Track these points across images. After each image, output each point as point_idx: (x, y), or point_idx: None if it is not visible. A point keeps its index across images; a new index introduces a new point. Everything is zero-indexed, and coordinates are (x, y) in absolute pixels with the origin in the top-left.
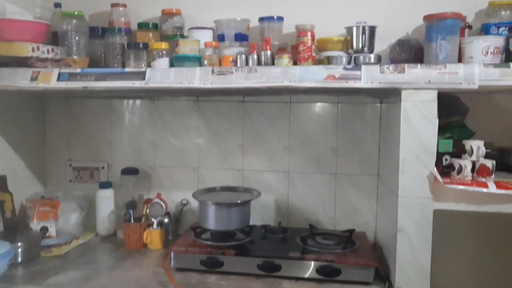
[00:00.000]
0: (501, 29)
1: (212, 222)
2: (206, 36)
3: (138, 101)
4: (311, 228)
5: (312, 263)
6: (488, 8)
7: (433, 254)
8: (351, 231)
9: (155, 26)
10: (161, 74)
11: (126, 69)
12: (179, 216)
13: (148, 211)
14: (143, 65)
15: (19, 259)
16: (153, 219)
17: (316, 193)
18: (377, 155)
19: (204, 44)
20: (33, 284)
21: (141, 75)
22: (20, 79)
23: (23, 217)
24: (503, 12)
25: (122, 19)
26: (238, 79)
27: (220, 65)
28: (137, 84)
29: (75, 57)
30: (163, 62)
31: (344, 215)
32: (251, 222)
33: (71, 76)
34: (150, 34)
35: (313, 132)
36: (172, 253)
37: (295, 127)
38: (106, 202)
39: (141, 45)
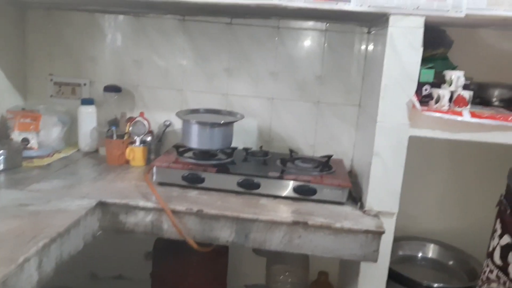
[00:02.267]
0: None
1: (195, 141)
2: None
3: (121, 17)
4: (291, 152)
5: (290, 182)
6: None
7: (404, 178)
8: (329, 157)
9: None
10: None
11: None
12: (161, 136)
13: (130, 129)
14: None
15: (1, 167)
16: (135, 137)
17: (298, 121)
18: (360, 86)
19: None
20: (16, 189)
21: None
22: None
23: (3, 128)
24: None
25: None
26: None
27: None
28: None
29: None
30: None
31: (324, 143)
32: (234, 145)
33: None
34: None
35: (300, 59)
36: (154, 168)
37: (282, 52)
38: (88, 119)
39: None
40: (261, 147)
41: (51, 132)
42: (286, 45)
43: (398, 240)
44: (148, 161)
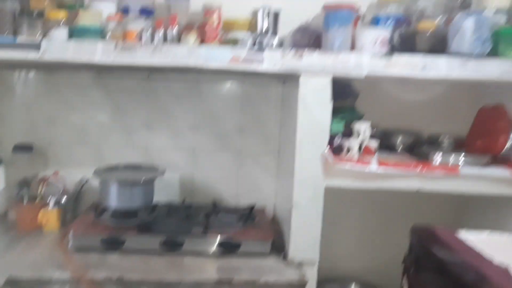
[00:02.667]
0: (388, 22)
1: (114, 200)
2: (109, 8)
3: (33, 73)
4: (214, 204)
5: (214, 238)
6: (379, 1)
7: (323, 227)
8: (252, 207)
9: None
10: (58, 47)
11: (19, 39)
12: (78, 195)
13: (43, 190)
14: (37, 35)
15: None
16: (49, 199)
17: (220, 171)
18: (278, 135)
19: (107, 17)
20: None
21: (36, 47)
22: None
23: None
24: (391, 7)
25: None
26: (143, 56)
27: (124, 39)
28: (31, 56)
29: None
30: (61, 33)
31: (247, 191)
32: (155, 200)
33: None
34: (47, 1)
35: (219, 111)
36: (70, 233)
37: (201, 105)
38: None
39: (35, 13)
40: (183, 200)
41: None
42: (205, 98)
43: (322, 283)
44: (64, 224)
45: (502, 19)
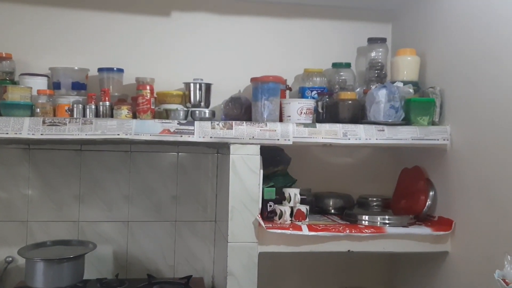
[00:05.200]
0: (313, 93)
1: (40, 280)
2: (40, 84)
3: None
4: (149, 277)
5: None
6: (304, 73)
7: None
8: (189, 278)
9: None
10: None
11: None
12: (2, 275)
13: None
14: None
15: None
16: None
17: (156, 242)
18: (214, 202)
19: (37, 92)
20: None
21: None
22: None
23: None
24: (315, 78)
25: None
26: (72, 131)
27: (54, 114)
28: None
29: None
30: None
31: (184, 262)
32: (86, 276)
33: None
34: None
35: (154, 180)
36: None
37: (135, 176)
38: None
39: None
40: (117, 275)
41: None
42: (139, 168)
43: None
44: None
45: (411, 90)
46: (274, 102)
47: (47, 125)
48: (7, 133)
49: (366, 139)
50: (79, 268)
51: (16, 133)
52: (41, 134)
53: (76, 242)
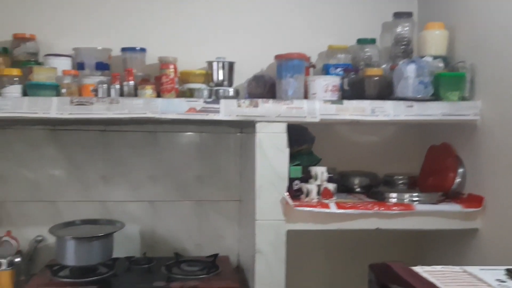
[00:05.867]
0: (338, 69)
1: (71, 258)
2: (64, 64)
3: None
4: (177, 256)
5: None
6: (328, 50)
7: (288, 270)
8: (215, 256)
9: (5, 51)
10: (12, 103)
11: None
12: (33, 254)
13: None
14: None
15: None
16: (2, 260)
17: (181, 221)
18: (238, 182)
19: (62, 72)
20: None
21: None
22: None
23: None
24: (339, 55)
25: None
26: (99, 110)
27: (79, 94)
28: None
29: None
30: (15, 89)
31: (209, 241)
32: (115, 255)
33: None
34: (0, 58)
35: (178, 160)
36: None
37: (159, 156)
38: None
39: None
40: (144, 253)
41: None
42: (163, 148)
43: None
44: (18, 285)
45: (440, 65)
46: (299, 80)
47: (75, 105)
48: (36, 113)
49: (395, 115)
50: (108, 246)
51: (44, 113)
52: (69, 114)
53: (104, 221)
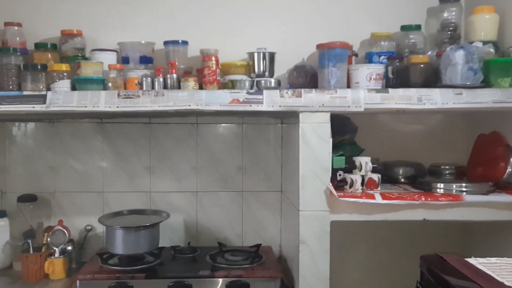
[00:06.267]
0: (381, 58)
1: (120, 246)
2: (109, 59)
3: (35, 124)
4: (220, 245)
5: (221, 280)
6: (371, 38)
7: (332, 261)
8: (258, 246)
9: (54, 47)
10: (63, 97)
11: (25, 92)
12: (83, 242)
13: (49, 239)
14: (41, 87)
15: None
16: (55, 248)
17: (223, 211)
18: (280, 172)
19: (108, 66)
20: None
21: (42, 98)
22: None
23: None
24: (383, 43)
25: (17, 38)
26: (145, 103)
27: (125, 88)
28: (38, 108)
29: None
30: (64, 84)
31: (251, 231)
32: (160, 244)
33: None
34: (49, 54)
35: (220, 152)
36: (77, 282)
37: (202, 147)
38: (0, 232)
39: (39, 66)
40: (189, 243)
41: None
42: (205, 140)
43: None
44: (69, 271)
45: (491, 50)
46: (342, 69)
47: (122, 98)
48: (86, 106)
49: (443, 103)
50: (155, 236)
51: (94, 106)
52: (117, 107)
53: (150, 211)
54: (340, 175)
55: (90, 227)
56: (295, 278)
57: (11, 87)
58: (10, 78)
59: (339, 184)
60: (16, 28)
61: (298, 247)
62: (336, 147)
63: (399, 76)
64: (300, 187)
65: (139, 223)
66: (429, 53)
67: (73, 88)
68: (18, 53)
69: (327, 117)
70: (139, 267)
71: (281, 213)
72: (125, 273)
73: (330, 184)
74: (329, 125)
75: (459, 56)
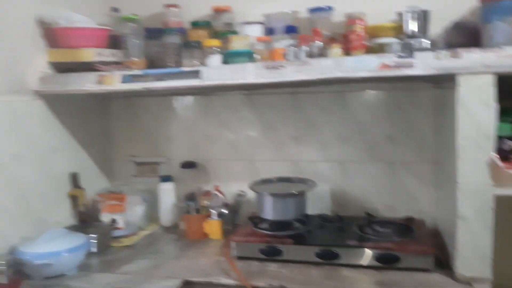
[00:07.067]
0: None
1: (269, 212)
2: (256, 31)
3: (192, 98)
4: (368, 216)
5: (371, 251)
6: None
7: (495, 240)
8: (410, 219)
9: (207, 24)
10: (216, 72)
11: (183, 69)
12: (236, 207)
13: (207, 203)
14: (197, 63)
15: (95, 249)
16: (212, 211)
17: (371, 182)
18: (433, 142)
19: (256, 39)
20: (109, 272)
21: (197, 74)
22: (87, 82)
23: (94, 211)
24: None
25: (176, 19)
26: (291, 73)
27: (271, 59)
28: (194, 82)
29: (133, 59)
30: (216, 59)
31: (402, 202)
32: (307, 212)
33: (134, 78)
34: (203, 32)
35: (367, 120)
36: (233, 243)
37: (348, 116)
38: (167, 195)
39: (194, 44)
40: (336, 212)
41: (135, 211)
42: (351, 108)
43: None
44: (225, 233)
45: None
46: (510, 24)
47: (269, 69)
48: (236, 79)
49: None
50: (302, 203)
51: (243, 79)
52: (265, 78)
53: (297, 179)
54: (506, 144)
55: (242, 193)
56: (452, 255)
57: (171, 64)
58: (171, 56)
59: (505, 155)
60: (174, 9)
61: (455, 223)
62: (502, 113)
63: None
64: (458, 157)
65: (287, 190)
66: None
67: (224, 62)
68: (177, 32)
69: (491, 79)
70: (288, 233)
71: (435, 185)
72: (274, 238)
73: (494, 155)
74: (493, 88)
75: None
